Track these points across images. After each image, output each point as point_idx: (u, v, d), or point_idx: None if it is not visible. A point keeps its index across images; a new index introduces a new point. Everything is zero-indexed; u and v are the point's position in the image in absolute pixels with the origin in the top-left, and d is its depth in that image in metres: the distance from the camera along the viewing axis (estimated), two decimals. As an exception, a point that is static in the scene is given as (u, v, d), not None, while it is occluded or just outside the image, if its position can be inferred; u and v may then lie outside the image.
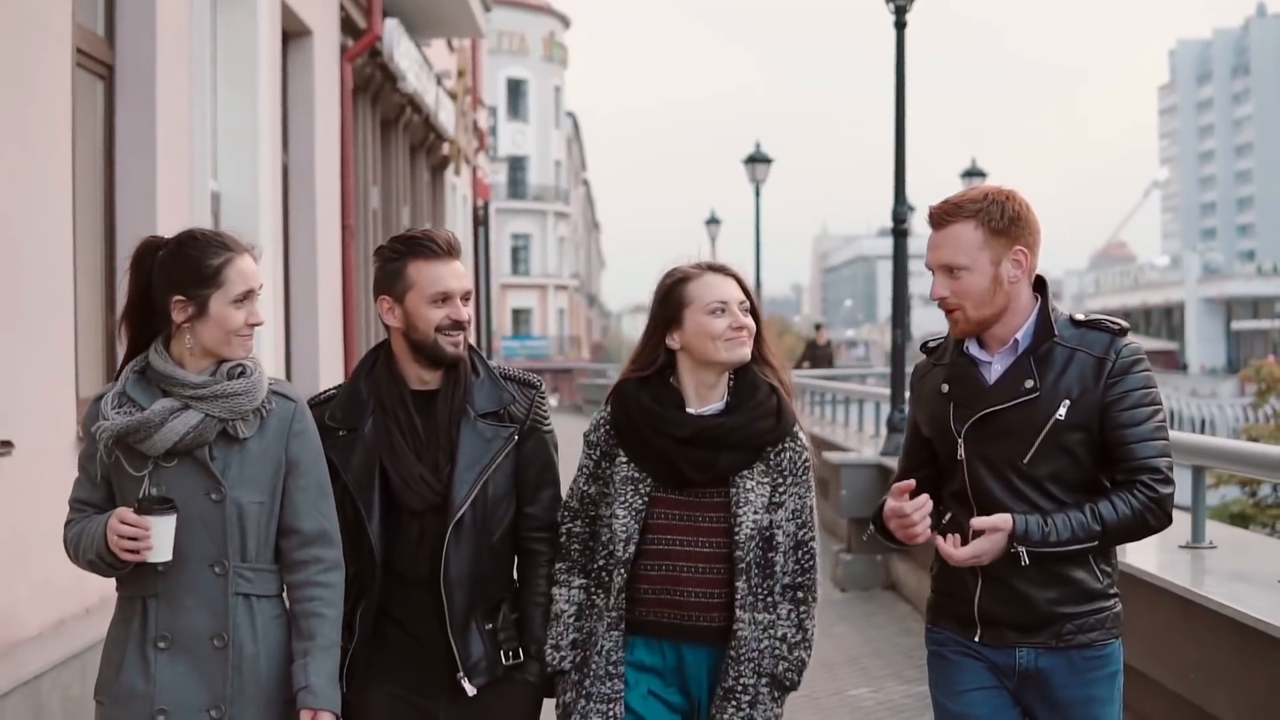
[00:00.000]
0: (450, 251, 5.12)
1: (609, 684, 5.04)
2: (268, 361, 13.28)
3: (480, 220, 36.81)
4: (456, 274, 5.13)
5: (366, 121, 19.75)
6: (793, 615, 5.08)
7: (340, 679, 5.00)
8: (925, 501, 4.90)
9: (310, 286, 15.77)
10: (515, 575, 5.31)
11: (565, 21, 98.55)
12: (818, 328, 44.70)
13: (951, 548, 4.82)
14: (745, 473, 5.06)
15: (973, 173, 39.47)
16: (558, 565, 5.22)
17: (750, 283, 5.28)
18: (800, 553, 5.07)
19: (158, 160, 10.65)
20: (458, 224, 30.72)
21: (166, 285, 4.78)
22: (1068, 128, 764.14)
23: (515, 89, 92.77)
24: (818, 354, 40.10)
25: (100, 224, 10.32)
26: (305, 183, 15.89)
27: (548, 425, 5.29)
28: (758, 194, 41.00)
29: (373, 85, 19.70)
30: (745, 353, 5.09)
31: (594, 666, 5.05)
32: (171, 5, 11.02)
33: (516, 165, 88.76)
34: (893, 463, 16.12)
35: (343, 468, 5.08)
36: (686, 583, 5.05)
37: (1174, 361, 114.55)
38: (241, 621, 4.83)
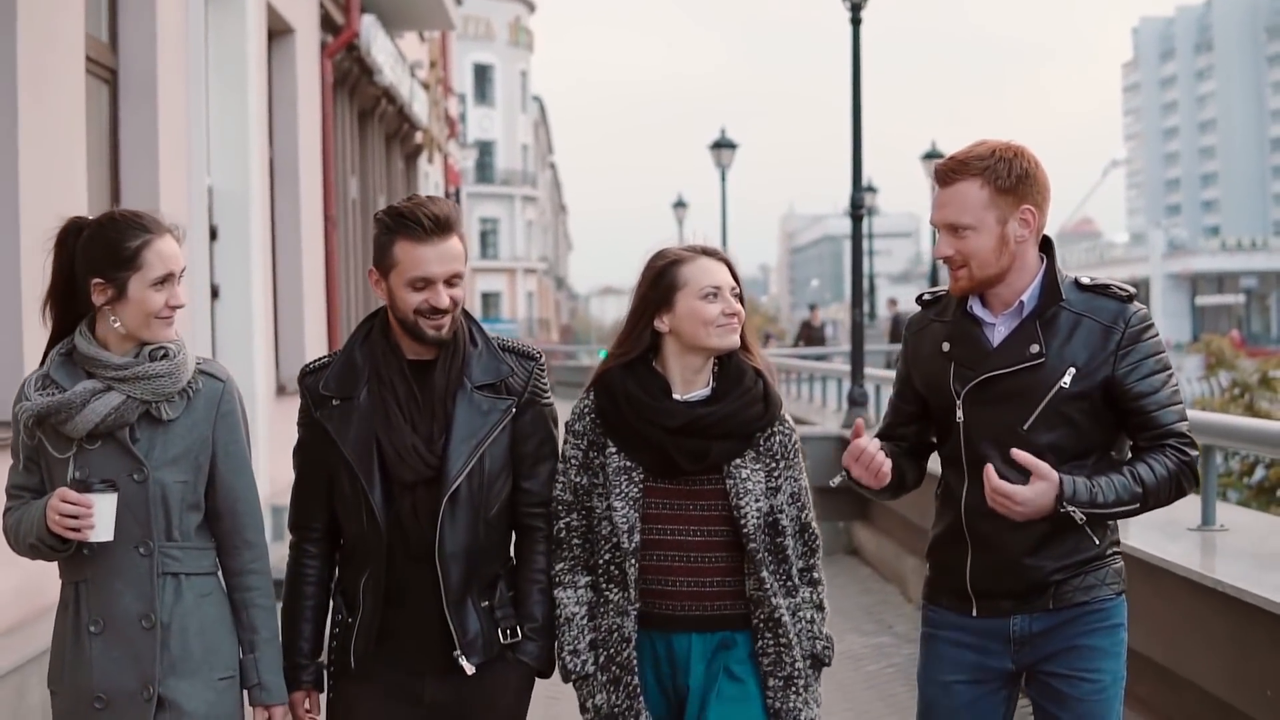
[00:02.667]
0: (439, 230, 4.88)
1: (640, 677, 4.93)
2: (258, 348, 13.99)
3: None
4: (442, 256, 4.89)
5: (345, 114, 20.19)
6: (813, 596, 5.03)
7: (344, 654, 5.00)
8: (875, 443, 4.83)
9: (295, 275, 16.18)
10: (512, 552, 5.18)
11: (530, 6, 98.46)
12: (812, 308, 45.30)
13: (989, 479, 4.64)
14: (738, 461, 4.95)
15: (933, 155, 39.86)
16: (559, 565, 5.05)
17: (740, 268, 5.19)
18: (806, 535, 5.00)
19: (160, 158, 11.13)
20: None
21: (86, 267, 4.71)
22: (1033, 103, 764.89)
23: (481, 74, 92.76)
24: (813, 334, 40.74)
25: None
26: (290, 175, 16.26)
27: (547, 398, 5.12)
28: (723, 179, 41.47)
29: (350, 79, 20.15)
30: (735, 339, 4.98)
31: (625, 659, 4.92)
32: (170, 10, 11.48)
33: (484, 150, 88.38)
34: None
35: (340, 439, 4.95)
36: (678, 571, 4.94)
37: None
38: (169, 601, 4.75)
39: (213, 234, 13.33)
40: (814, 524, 5.06)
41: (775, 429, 5.02)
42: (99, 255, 4.69)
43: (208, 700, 4.78)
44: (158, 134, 11.16)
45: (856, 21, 18.41)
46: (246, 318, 13.93)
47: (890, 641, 11.62)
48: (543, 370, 5.13)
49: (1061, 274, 4.81)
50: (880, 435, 5.13)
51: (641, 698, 4.91)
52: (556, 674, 5.16)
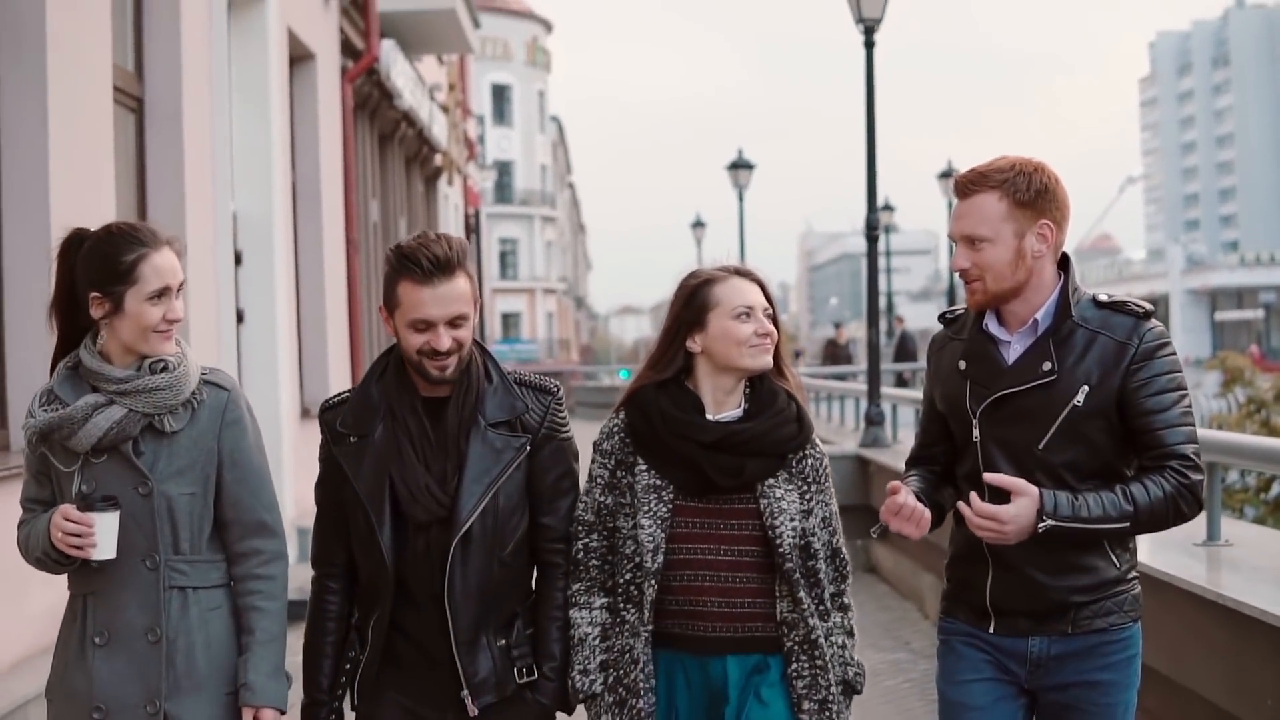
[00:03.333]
0: (440, 271, 4.78)
1: (646, 699, 4.85)
2: (283, 370, 14.12)
3: (471, 228, 37.39)
4: (441, 299, 4.79)
5: (365, 138, 20.38)
6: (844, 621, 4.96)
7: (351, 690, 4.96)
8: (910, 496, 4.76)
9: (318, 298, 16.37)
10: (533, 588, 5.10)
11: (547, 26, 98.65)
12: (837, 327, 45.41)
13: (972, 504, 4.61)
14: (771, 481, 4.87)
15: (949, 174, 40.04)
16: (575, 586, 4.98)
17: (773, 289, 5.13)
18: (837, 560, 4.92)
19: (185, 184, 11.31)
20: (451, 232, 31.04)
21: (85, 281, 4.67)
22: (1051, 117, 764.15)
23: (500, 95, 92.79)
24: (838, 353, 40.89)
25: None
26: (312, 199, 16.42)
27: (565, 432, 5.03)
28: (741, 200, 41.63)
29: (371, 103, 20.36)
30: (768, 360, 4.92)
31: (631, 682, 4.85)
32: (194, 39, 11.69)
33: (503, 170, 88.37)
34: (871, 454, 17.00)
35: (353, 476, 4.88)
36: (709, 592, 4.84)
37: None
38: (175, 615, 4.70)
39: (237, 258, 13.46)
40: (844, 549, 5.00)
41: (808, 452, 4.96)
42: (96, 269, 4.65)
43: (213, 716, 4.74)
44: (183, 160, 11.33)
45: (870, 45, 18.54)
46: (271, 341, 14.08)
47: (907, 658, 11.76)
48: (561, 404, 5.05)
49: (1078, 291, 4.78)
50: (912, 458, 5.17)
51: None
52: None
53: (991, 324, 4.84)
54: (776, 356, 4.97)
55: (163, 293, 4.64)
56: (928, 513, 4.79)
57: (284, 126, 14.95)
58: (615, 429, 4.99)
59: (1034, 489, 4.57)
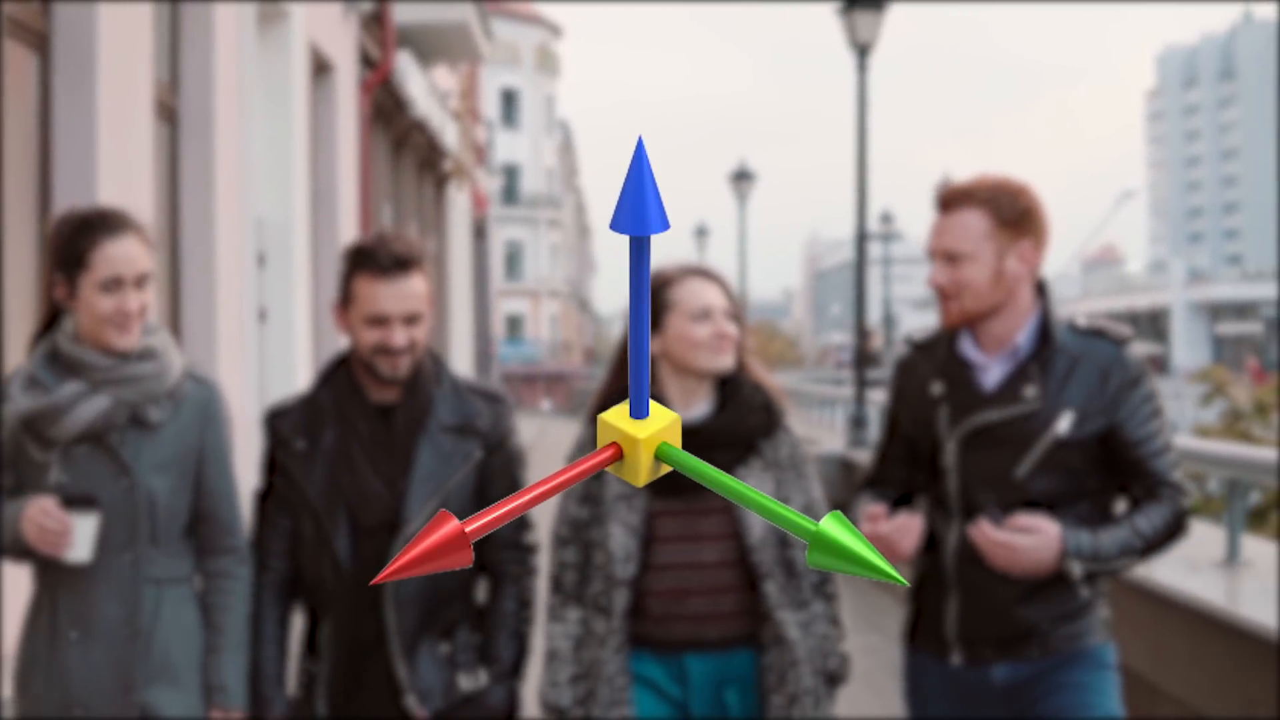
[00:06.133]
0: (398, 267, 4.72)
1: (616, 710, 4.73)
2: (301, 367, 14.53)
3: (480, 231, 37.70)
4: (398, 295, 4.72)
5: (380, 145, 20.84)
6: (826, 611, 4.83)
7: (312, 701, 4.86)
8: (909, 523, 4.66)
9: (333, 302, 16.66)
10: (477, 595, 5.00)
11: (556, 31, 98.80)
12: (869, 333, 45.92)
13: (988, 532, 4.48)
14: (743, 470, 4.75)
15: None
16: (552, 600, 4.90)
17: (734, 288, 5.00)
18: None
19: (215, 190, 11.68)
20: (459, 236, 31.44)
21: (50, 263, 4.50)
22: (1061, 126, 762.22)
23: (508, 99, 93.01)
24: (869, 357, 41.53)
25: (168, 252, 11.33)
26: (330, 204, 16.73)
27: (515, 441, 4.96)
28: (742, 210, 42.08)
29: (385, 111, 20.86)
30: (727, 361, 4.79)
31: (601, 696, 4.74)
32: (225, 52, 12.08)
33: (509, 173, 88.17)
34: (855, 455, 17.73)
35: (304, 481, 4.77)
36: (695, 593, 4.76)
37: (1159, 365, 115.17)
38: (150, 608, 4.55)
39: (260, 260, 13.90)
40: None
41: (782, 438, 4.87)
42: (58, 251, 4.44)
43: (189, 707, 4.63)
44: (214, 168, 11.66)
45: (862, 69, 18.91)
46: (290, 339, 14.51)
47: (880, 641, 12.34)
48: (510, 412, 4.99)
49: (1056, 317, 4.66)
50: (871, 479, 5.04)
51: None
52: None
53: (967, 347, 4.73)
54: (743, 356, 4.89)
55: (115, 282, 4.41)
56: (912, 544, 4.66)
57: (305, 135, 15.29)
58: (585, 442, 4.92)
59: (1055, 527, 4.45)
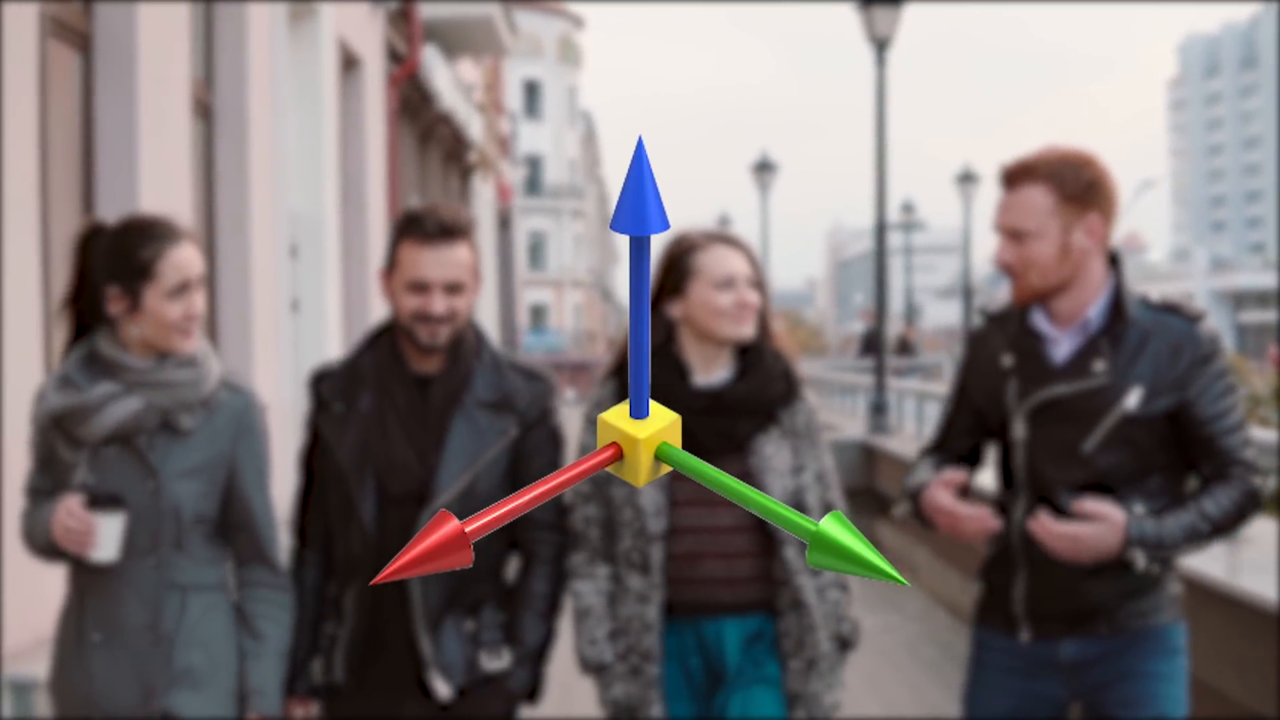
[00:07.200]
0: (443, 234, 4.69)
1: (660, 665, 4.73)
2: (331, 353, 14.45)
3: (504, 222, 37.80)
4: (441, 261, 4.69)
5: (407, 137, 21.05)
6: (836, 579, 4.82)
7: (329, 664, 4.83)
8: (982, 514, 4.62)
9: (364, 288, 16.91)
10: (505, 573, 4.95)
11: (578, 22, 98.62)
12: (908, 324, 46.45)
13: (1047, 524, 4.42)
14: (762, 437, 4.77)
15: (967, 176, 40.60)
16: (577, 556, 4.84)
17: (758, 256, 4.96)
18: None
19: (250, 184, 11.90)
20: (484, 227, 31.56)
21: (103, 275, 4.46)
22: (1088, 114, 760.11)
23: (531, 90, 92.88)
24: (907, 348, 42.18)
25: (205, 245, 11.41)
26: (359, 196, 16.93)
27: (554, 421, 4.88)
28: (764, 201, 42.22)
29: (412, 104, 21.09)
30: (749, 330, 4.78)
31: (645, 648, 4.71)
32: (258, 49, 12.31)
33: (532, 164, 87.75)
34: (876, 441, 17.97)
35: (335, 445, 4.76)
36: (707, 557, 4.74)
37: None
38: (174, 613, 4.51)
39: (293, 252, 14.12)
40: (840, 504, 4.90)
41: (799, 406, 4.87)
42: (114, 264, 4.44)
43: (214, 712, 4.58)
44: (248, 162, 11.88)
45: (881, 63, 19.05)
46: (322, 328, 14.72)
47: (899, 620, 12.63)
48: (551, 391, 4.90)
49: (1130, 291, 4.56)
50: (932, 445, 4.99)
51: (657, 688, 4.73)
52: (573, 664, 5.03)
53: (1039, 320, 4.65)
54: (765, 324, 4.88)
55: (182, 288, 4.45)
56: (982, 529, 4.63)
57: (335, 129, 15.47)
58: (605, 398, 4.86)
59: (1120, 516, 4.38)
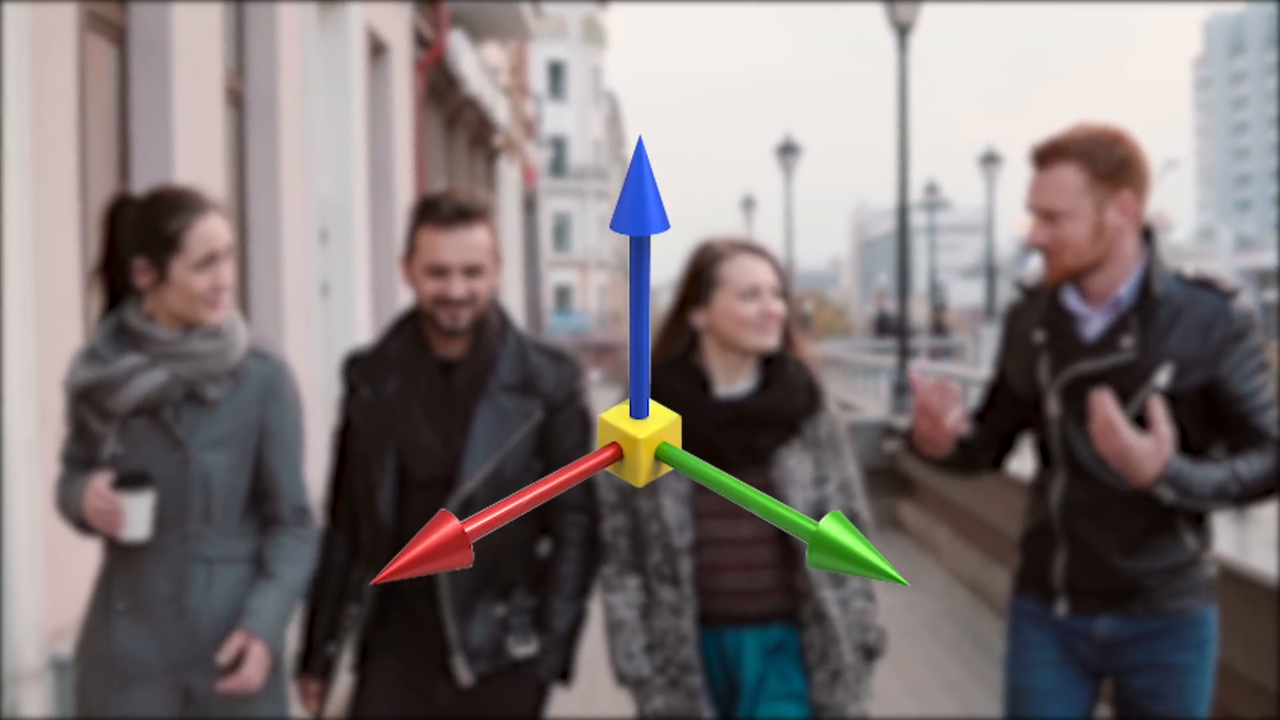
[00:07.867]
0: (460, 218, 4.67)
1: (699, 676, 4.71)
2: (360, 336, 14.64)
3: (529, 204, 37.82)
4: (458, 245, 4.67)
5: (434, 122, 21.18)
6: (863, 585, 4.79)
7: (350, 645, 4.86)
8: (949, 390, 4.68)
9: (391, 272, 16.98)
10: (536, 558, 4.90)
11: (602, 2, 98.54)
12: (943, 308, 46.80)
13: (1111, 415, 4.29)
14: (784, 450, 4.74)
15: (990, 158, 40.65)
16: (607, 569, 4.82)
17: (782, 263, 4.93)
18: (856, 524, 4.47)
19: (281, 171, 12.03)
20: (510, 209, 31.62)
21: (131, 247, 4.47)
22: (1115, 90, 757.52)
23: (555, 71, 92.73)
24: (944, 329, 42.87)
25: (237, 230, 11.51)
26: (386, 181, 17.01)
27: (582, 402, 4.84)
28: (788, 182, 42.29)
29: (438, 89, 21.19)
30: (772, 340, 4.76)
31: (683, 660, 4.69)
32: (288, 37, 12.43)
33: (557, 145, 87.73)
34: (899, 421, 18.03)
35: (361, 429, 4.79)
36: (729, 569, 4.73)
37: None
38: (200, 587, 4.51)
39: (322, 237, 14.23)
40: (864, 514, 4.85)
41: (822, 417, 4.83)
42: (142, 236, 4.45)
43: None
44: (279, 149, 12.02)
45: (903, 48, 19.21)
46: (351, 312, 14.83)
47: (920, 598, 12.86)
48: (578, 373, 4.87)
49: (1163, 266, 4.53)
50: (973, 416, 5.00)
51: (702, 698, 4.70)
52: (609, 677, 5.04)
53: (1070, 298, 4.64)
54: (788, 334, 4.86)
55: (209, 259, 4.46)
56: (954, 423, 4.69)
57: (363, 116, 15.54)
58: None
59: (1169, 448, 4.31)
